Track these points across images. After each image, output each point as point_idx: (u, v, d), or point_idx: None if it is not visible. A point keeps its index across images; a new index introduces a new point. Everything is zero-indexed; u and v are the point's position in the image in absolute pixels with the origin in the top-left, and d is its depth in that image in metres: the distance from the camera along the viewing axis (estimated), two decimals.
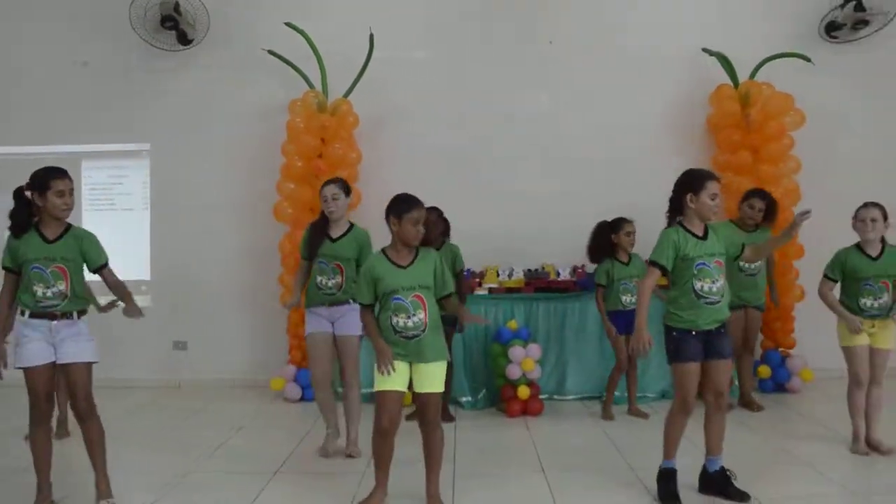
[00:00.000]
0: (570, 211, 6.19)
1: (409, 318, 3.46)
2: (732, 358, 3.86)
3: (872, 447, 4.43)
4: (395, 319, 3.47)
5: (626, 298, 5.34)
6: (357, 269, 4.29)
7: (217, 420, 5.64)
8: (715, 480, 3.71)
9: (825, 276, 4.55)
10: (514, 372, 5.50)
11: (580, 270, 6.16)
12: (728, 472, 3.69)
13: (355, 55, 6.32)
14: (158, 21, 6.47)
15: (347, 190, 4.55)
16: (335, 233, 4.49)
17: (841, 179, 6.34)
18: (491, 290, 6.00)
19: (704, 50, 6.45)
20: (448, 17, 6.79)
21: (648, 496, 3.80)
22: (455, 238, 5.59)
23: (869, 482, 4.05)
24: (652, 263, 3.67)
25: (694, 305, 3.58)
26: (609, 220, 5.45)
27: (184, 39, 6.60)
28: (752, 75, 6.42)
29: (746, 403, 5.60)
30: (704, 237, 3.64)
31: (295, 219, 6.15)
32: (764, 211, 5.51)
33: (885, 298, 4.34)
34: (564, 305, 6.01)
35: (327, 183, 4.53)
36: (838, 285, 4.56)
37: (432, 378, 3.53)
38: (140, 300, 4.08)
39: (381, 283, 3.49)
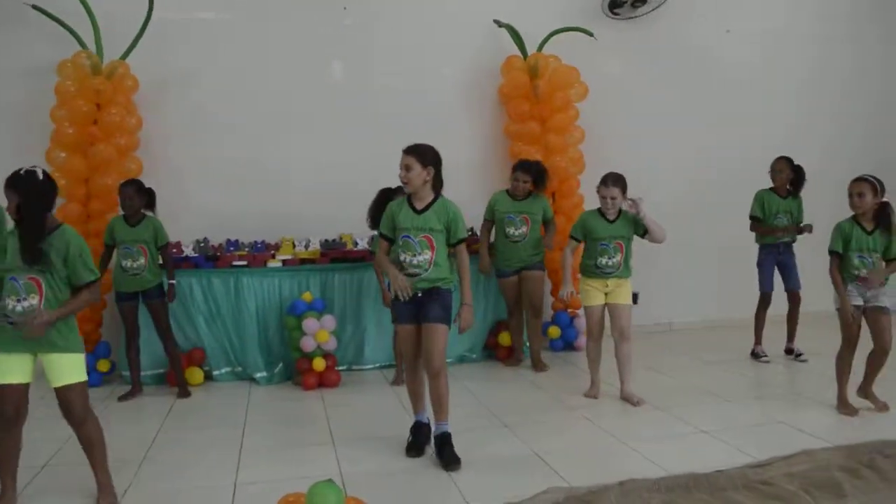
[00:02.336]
0: (370, 179, 6.10)
1: None
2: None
3: (625, 398, 4.91)
4: None
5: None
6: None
7: None
8: (434, 441, 3.94)
9: (571, 236, 5.05)
10: (308, 344, 5.41)
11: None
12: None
13: (136, 13, 5.86)
14: None
15: None
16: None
17: (620, 149, 6.74)
18: (284, 261, 5.84)
19: (495, 21, 6.57)
20: None
21: (431, 458, 3.92)
22: (251, 211, 5.38)
23: (639, 432, 4.34)
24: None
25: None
26: (393, 186, 5.42)
27: None
28: (540, 48, 6.64)
29: (534, 363, 5.89)
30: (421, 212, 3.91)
31: (69, 191, 5.65)
32: (531, 181, 5.79)
33: (618, 258, 4.82)
34: (361, 275, 5.97)
35: None
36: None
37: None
38: None
39: None
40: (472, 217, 5.76)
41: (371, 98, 6.54)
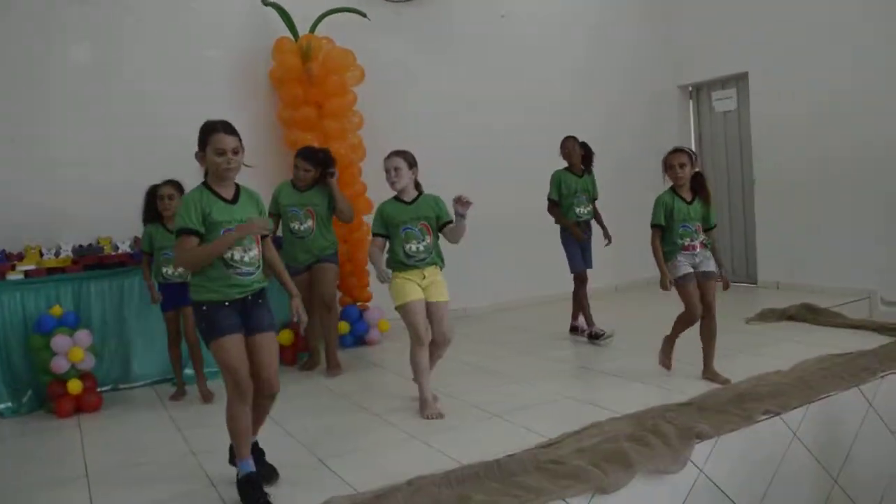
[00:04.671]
0: (131, 177, 5.42)
1: None
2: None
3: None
4: None
5: (168, 270, 4.87)
6: None
7: None
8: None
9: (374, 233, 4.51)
10: (60, 365, 4.70)
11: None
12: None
13: None
14: None
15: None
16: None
17: (401, 134, 6.53)
18: (27, 273, 5.05)
19: (262, 1, 6.13)
20: None
21: (207, 481, 3.47)
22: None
23: (430, 424, 4.15)
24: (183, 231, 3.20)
25: (223, 277, 3.19)
26: (159, 182, 4.89)
27: None
28: (313, 29, 6.28)
29: (329, 364, 5.48)
30: (234, 202, 3.29)
31: None
32: (313, 169, 5.39)
33: (428, 241, 4.30)
34: (122, 282, 5.32)
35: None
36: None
37: None
38: None
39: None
40: None
41: (125, 85, 5.84)
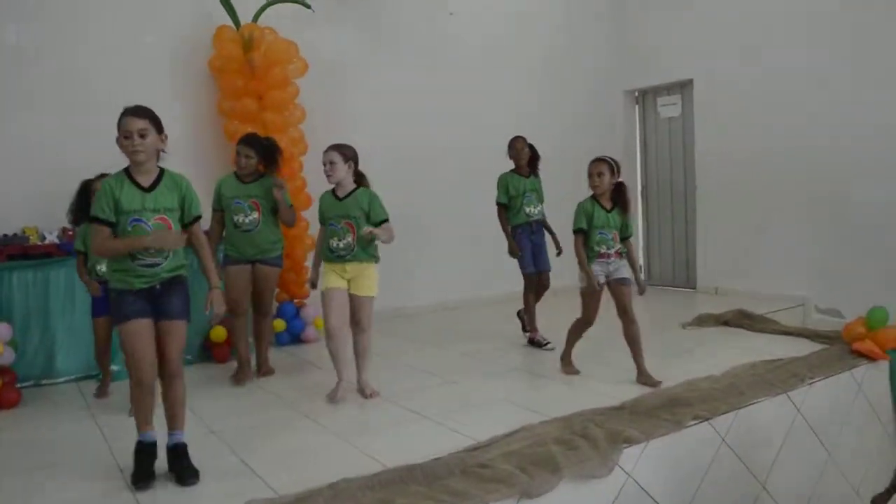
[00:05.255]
0: (61, 164, 5.20)
1: None
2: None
3: (359, 390, 4.57)
4: None
5: (102, 268, 4.66)
6: None
7: None
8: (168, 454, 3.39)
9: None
10: None
11: (71, 233, 5.29)
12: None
13: None
14: None
15: None
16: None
17: (344, 129, 6.46)
18: None
19: None
20: None
21: (123, 483, 3.33)
22: None
23: (361, 425, 4.09)
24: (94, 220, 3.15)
25: (128, 268, 3.24)
26: (92, 177, 4.67)
27: None
28: (256, 18, 6.13)
29: (260, 368, 5.25)
30: (150, 189, 3.24)
31: None
32: (255, 156, 5.14)
33: (349, 239, 4.36)
34: (48, 274, 5.12)
35: None
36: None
37: None
38: None
39: None
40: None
41: (57, 68, 5.61)
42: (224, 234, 5.15)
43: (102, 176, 4.51)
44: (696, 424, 3.86)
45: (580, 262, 4.59)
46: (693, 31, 7.87)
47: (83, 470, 3.52)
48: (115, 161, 3.39)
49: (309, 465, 3.47)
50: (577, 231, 4.60)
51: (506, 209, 5.78)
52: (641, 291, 4.72)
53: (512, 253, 5.72)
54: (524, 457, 3.31)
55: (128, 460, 3.41)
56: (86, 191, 4.62)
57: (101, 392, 4.83)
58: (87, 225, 4.61)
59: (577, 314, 4.81)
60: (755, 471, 4.15)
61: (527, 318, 5.92)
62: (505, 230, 5.76)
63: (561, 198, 6.00)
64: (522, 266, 5.78)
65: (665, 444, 3.68)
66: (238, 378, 5.09)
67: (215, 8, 6.06)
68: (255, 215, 5.08)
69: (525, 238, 5.75)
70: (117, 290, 3.24)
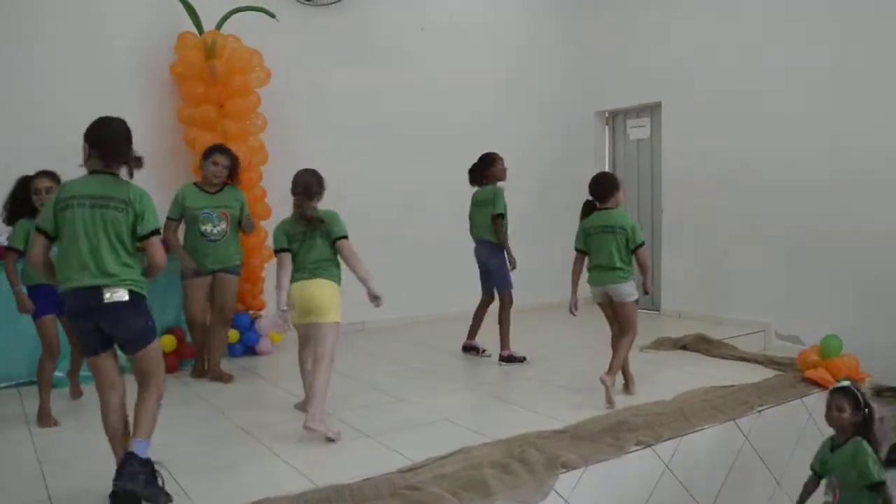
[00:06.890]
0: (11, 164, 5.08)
1: None
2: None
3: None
4: None
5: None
6: None
7: None
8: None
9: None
10: None
11: None
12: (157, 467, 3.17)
13: None
14: None
15: None
16: None
17: (305, 139, 6.45)
18: None
19: None
20: None
21: (45, 499, 3.21)
22: None
23: (296, 441, 3.98)
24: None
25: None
26: (32, 174, 4.53)
27: None
28: (219, 26, 6.06)
29: (215, 374, 5.28)
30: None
31: None
32: (229, 167, 5.21)
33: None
34: None
35: None
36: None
37: None
38: None
39: None
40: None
41: (18, 71, 5.51)
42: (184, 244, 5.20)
43: (44, 174, 4.39)
44: (638, 450, 3.81)
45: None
46: (662, 54, 7.88)
47: (6, 484, 3.41)
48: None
49: (237, 481, 3.37)
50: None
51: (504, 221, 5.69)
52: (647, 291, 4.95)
53: (514, 265, 5.70)
54: (457, 480, 3.24)
55: (56, 480, 3.33)
56: (25, 187, 4.44)
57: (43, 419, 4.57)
58: (28, 221, 4.35)
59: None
60: (700, 498, 4.10)
61: (472, 325, 5.98)
62: (505, 243, 5.68)
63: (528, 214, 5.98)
64: (509, 283, 5.72)
65: (606, 470, 3.63)
66: (198, 371, 5.39)
67: (183, 14, 5.99)
68: (224, 226, 5.16)
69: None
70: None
